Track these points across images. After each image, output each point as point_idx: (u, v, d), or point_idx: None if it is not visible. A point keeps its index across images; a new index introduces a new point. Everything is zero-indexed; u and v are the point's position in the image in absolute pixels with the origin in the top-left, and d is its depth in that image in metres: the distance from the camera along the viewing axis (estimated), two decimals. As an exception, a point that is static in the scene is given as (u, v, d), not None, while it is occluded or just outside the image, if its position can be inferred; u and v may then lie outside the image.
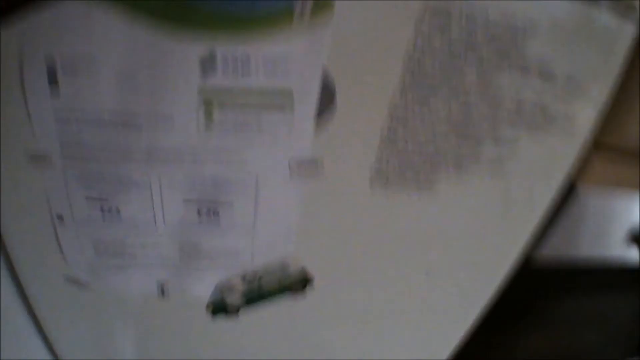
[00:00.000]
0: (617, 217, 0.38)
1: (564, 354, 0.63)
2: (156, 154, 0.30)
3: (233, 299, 0.36)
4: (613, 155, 0.30)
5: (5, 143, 0.30)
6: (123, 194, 0.31)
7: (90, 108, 0.29)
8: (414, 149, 0.30)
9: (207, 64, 0.27)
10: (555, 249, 0.37)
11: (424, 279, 0.35)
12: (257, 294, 0.36)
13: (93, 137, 0.29)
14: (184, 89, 0.27)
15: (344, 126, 0.29)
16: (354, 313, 0.37)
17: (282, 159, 0.30)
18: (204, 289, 0.36)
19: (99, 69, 0.27)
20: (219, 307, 0.37)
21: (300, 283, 0.35)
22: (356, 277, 0.35)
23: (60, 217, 0.33)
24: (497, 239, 0.34)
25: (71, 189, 0.31)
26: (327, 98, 0.28)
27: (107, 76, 0.27)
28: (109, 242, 0.33)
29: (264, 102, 0.28)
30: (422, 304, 0.37)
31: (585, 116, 0.29)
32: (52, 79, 0.28)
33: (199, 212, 0.32)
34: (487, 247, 0.34)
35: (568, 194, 0.32)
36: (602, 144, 0.29)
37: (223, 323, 0.38)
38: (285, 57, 0.26)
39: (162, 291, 0.36)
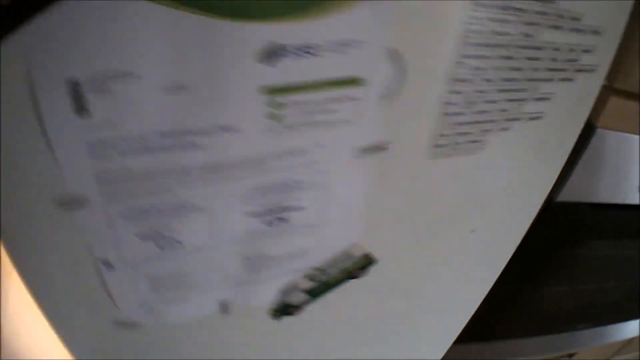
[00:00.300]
0: (636, 162, 0.42)
1: (586, 302, 0.68)
2: (217, 172, 0.27)
3: (296, 299, 0.36)
4: (626, 100, 0.34)
5: (23, 191, 0.25)
6: (180, 223, 0.28)
7: (133, 134, 0.24)
8: (467, 118, 0.31)
9: (269, 59, 0.24)
10: (576, 194, 0.41)
11: (469, 236, 0.38)
12: (321, 288, 0.36)
13: (140, 166, 0.25)
14: (245, 91, 0.24)
15: (406, 104, 0.29)
16: (411, 278, 0.39)
17: (351, 149, 0.29)
18: (268, 297, 0.34)
19: (140, 83, 0.23)
20: (282, 310, 0.36)
21: (363, 267, 0.36)
22: (412, 247, 0.36)
23: (106, 263, 0.28)
24: (529, 186, 0.37)
25: (118, 229, 0.27)
26: (395, 78, 0.27)
27: (150, 91, 0.23)
28: (167, 276, 0.30)
29: (332, 94, 0.26)
30: (465, 259, 0.40)
31: (603, 63, 0.32)
32: (79, 106, 0.23)
33: (265, 223, 0.30)
34: (522, 196, 0.38)
35: (586, 138, 0.36)
36: (616, 90, 0.33)
37: (285, 322, 0.37)
38: (351, 40, 0.25)
39: (224, 310, 0.34)
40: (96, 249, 0.28)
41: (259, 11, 0.22)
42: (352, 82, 0.26)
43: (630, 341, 0.90)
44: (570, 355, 0.85)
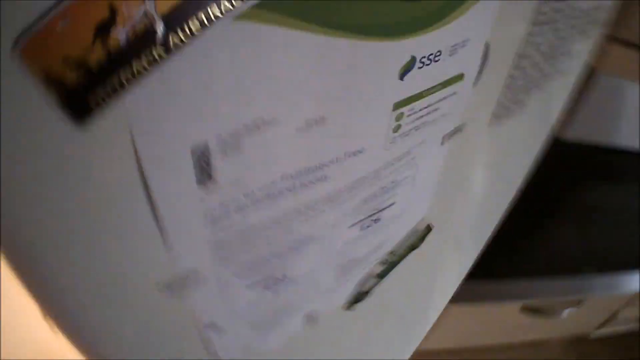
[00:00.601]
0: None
1: (594, 246, 0.65)
2: (336, 198, 0.24)
3: (369, 285, 0.36)
4: (626, 48, 0.39)
5: (117, 280, 0.19)
6: (293, 259, 0.25)
7: (257, 185, 0.20)
8: (521, 84, 0.32)
9: (405, 74, 0.21)
10: (582, 135, 0.44)
11: (494, 182, 0.42)
12: (389, 267, 0.37)
13: (260, 218, 0.22)
14: (381, 111, 0.22)
15: (484, 85, 0.29)
16: (452, 233, 0.42)
17: (441, 138, 0.28)
18: (348, 294, 0.34)
19: (275, 129, 0.19)
20: (355, 300, 0.36)
21: (423, 237, 0.37)
22: (463, 210, 0.39)
23: (212, 325, 0.24)
24: (536, 124, 0.41)
25: (230, 289, 0.23)
26: (482, 66, 0.27)
27: (286, 134, 0.19)
28: (271, 313, 0.27)
29: (441, 94, 0.25)
30: (482, 199, 0.44)
31: (608, 17, 0.36)
32: (203, 175, 0.18)
33: (362, 229, 0.29)
34: (533, 137, 0.42)
35: (588, 81, 0.40)
36: (617, 38, 0.37)
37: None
38: (462, 40, 0.23)
39: (309, 322, 0.33)
40: (203, 316, 0.24)
41: (404, 27, 0.19)
42: (456, 78, 0.25)
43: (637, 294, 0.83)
44: (578, 303, 0.80)
